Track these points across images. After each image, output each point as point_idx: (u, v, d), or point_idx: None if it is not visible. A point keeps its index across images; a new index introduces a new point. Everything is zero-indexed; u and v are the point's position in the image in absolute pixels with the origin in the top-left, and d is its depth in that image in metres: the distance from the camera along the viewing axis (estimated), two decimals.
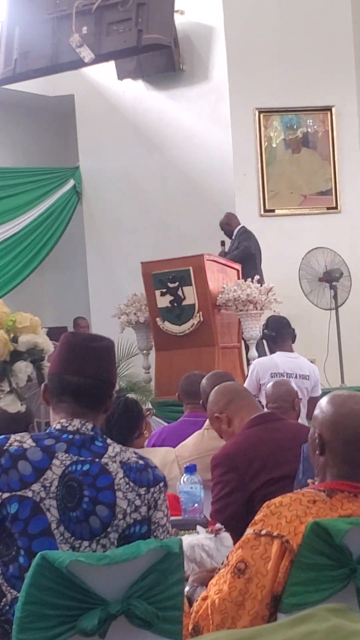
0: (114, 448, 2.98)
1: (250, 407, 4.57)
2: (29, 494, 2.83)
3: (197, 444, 5.39)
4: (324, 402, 3.23)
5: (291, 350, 8.54)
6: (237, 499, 4.21)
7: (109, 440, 3.00)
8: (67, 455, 2.90)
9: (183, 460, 5.22)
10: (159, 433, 6.53)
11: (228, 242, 12.21)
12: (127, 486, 2.93)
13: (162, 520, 3.04)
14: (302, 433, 3.74)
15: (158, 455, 5.29)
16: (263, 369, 8.20)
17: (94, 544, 2.85)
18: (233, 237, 12.17)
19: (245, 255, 11.71)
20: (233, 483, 4.24)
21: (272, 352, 9.11)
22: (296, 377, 8.09)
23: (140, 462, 3.00)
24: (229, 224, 12.29)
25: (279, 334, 8.69)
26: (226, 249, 12.08)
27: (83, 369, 3.02)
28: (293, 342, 8.79)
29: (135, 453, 3.04)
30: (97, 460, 2.92)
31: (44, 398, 3.10)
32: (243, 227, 12.21)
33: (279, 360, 8.38)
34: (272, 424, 4.48)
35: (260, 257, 12.01)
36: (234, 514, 4.18)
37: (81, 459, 2.91)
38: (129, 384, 10.85)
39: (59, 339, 3.14)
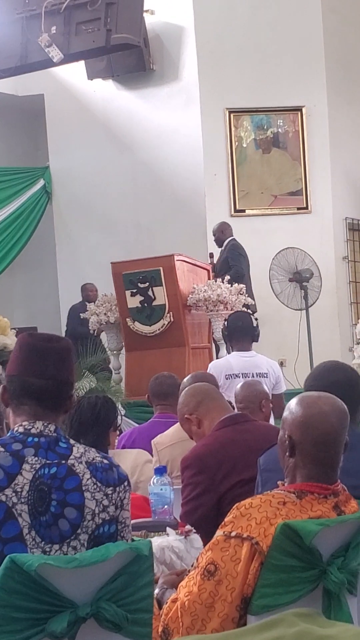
0: (78, 449, 2.96)
1: (220, 409, 4.55)
2: (3, 497, 2.80)
3: (177, 431, 5.38)
4: (293, 403, 3.23)
5: (248, 349, 8.43)
6: (207, 500, 4.21)
7: (71, 441, 2.98)
8: (36, 459, 2.88)
9: (163, 446, 5.26)
10: (129, 434, 6.52)
11: (217, 251, 12.20)
12: (95, 486, 2.91)
13: (128, 520, 3.03)
14: (272, 434, 3.73)
15: (130, 457, 5.28)
16: (217, 371, 8.08)
17: (64, 547, 2.83)
18: (222, 248, 12.17)
19: (237, 276, 11.67)
20: (203, 485, 4.23)
21: (229, 352, 9.09)
22: (252, 376, 8.00)
23: (105, 461, 2.99)
24: (222, 232, 12.28)
25: (233, 332, 8.61)
26: (214, 260, 12.09)
27: (44, 371, 2.99)
28: (255, 340, 8.71)
29: (99, 453, 3.02)
30: (63, 462, 2.90)
31: (3, 400, 3.06)
32: (233, 240, 12.19)
33: (233, 360, 8.30)
34: (242, 425, 4.47)
35: (249, 272, 12.00)
36: (204, 515, 4.17)
37: (48, 462, 2.89)
38: (98, 385, 10.81)
39: (17, 340, 3.11)
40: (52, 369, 3.00)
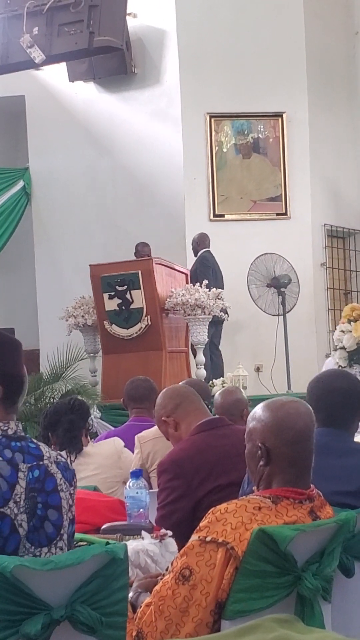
0: (43, 447, 2.94)
1: (198, 412, 4.53)
2: (7, 511, 2.78)
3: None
4: (258, 412, 3.22)
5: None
6: (184, 505, 4.20)
7: (34, 440, 2.96)
8: (25, 465, 2.86)
9: (145, 439, 5.31)
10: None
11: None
12: (65, 485, 2.91)
13: (74, 512, 3.01)
14: None
15: (108, 446, 5.34)
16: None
17: (52, 549, 2.83)
18: (196, 258, 12.21)
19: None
20: (180, 490, 4.22)
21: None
22: None
23: (62, 459, 2.97)
24: (198, 243, 12.32)
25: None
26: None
27: (12, 363, 2.98)
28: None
29: (53, 450, 3.00)
30: (40, 463, 2.89)
31: None
32: (205, 252, 12.22)
33: None
34: (220, 429, 4.46)
35: (222, 282, 11.99)
36: (180, 520, 4.16)
37: (29, 465, 2.88)
38: (75, 386, 10.81)
39: None
40: (17, 362, 2.99)
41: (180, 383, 6.10)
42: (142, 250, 12.25)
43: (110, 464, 5.20)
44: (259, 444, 3.17)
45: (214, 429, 4.45)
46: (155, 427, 5.48)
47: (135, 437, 5.58)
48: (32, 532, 2.81)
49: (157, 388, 6.40)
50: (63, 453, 3.07)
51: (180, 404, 4.56)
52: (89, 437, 5.36)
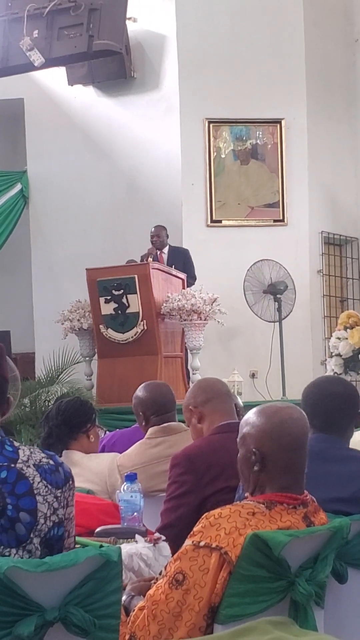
0: (24, 451, 2.91)
1: (224, 413, 4.51)
2: None
3: (140, 453, 5.35)
4: (252, 418, 3.22)
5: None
6: (190, 500, 4.20)
7: (16, 443, 2.94)
8: None
9: (125, 469, 5.18)
10: (111, 436, 6.50)
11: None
12: (46, 489, 2.86)
13: (72, 513, 2.99)
14: None
15: (105, 460, 5.26)
16: None
17: (20, 551, 2.81)
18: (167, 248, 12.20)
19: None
20: (188, 485, 4.23)
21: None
22: None
23: (51, 462, 2.94)
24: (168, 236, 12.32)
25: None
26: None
27: None
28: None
29: (44, 452, 2.97)
30: (12, 466, 2.85)
31: None
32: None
33: None
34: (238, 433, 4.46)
35: None
36: (184, 515, 4.16)
37: None
38: (70, 390, 10.80)
39: None
40: None
41: (142, 385, 5.97)
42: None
43: (98, 481, 5.15)
44: (254, 450, 3.17)
45: (233, 431, 4.44)
46: (133, 454, 5.42)
47: (115, 462, 5.47)
48: (1, 532, 2.78)
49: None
50: (54, 454, 3.02)
51: (211, 399, 4.54)
52: (91, 437, 5.29)
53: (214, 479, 4.23)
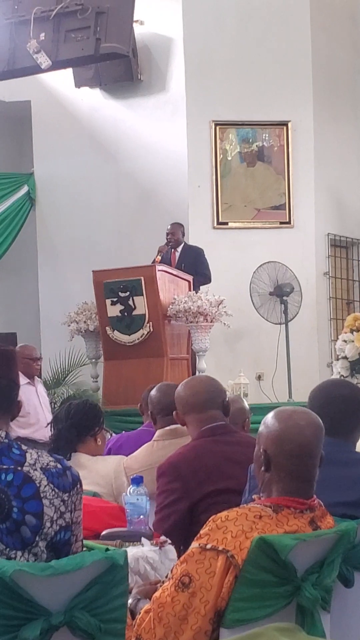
0: (31, 455, 2.92)
1: (206, 420, 4.46)
2: None
3: (147, 455, 5.35)
4: (268, 418, 3.23)
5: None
6: (180, 507, 4.20)
7: (23, 447, 2.95)
8: None
9: (132, 471, 5.17)
10: (117, 439, 6.52)
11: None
12: (53, 492, 2.87)
13: (80, 517, 3.00)
14: (250, 446, 3.71)
15: (111, 463, 5.27)
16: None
17: (26, 554, 2.81)
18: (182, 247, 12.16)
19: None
20: (177, 492, 4.23)
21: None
22: None
23: (59, 465, 2.95)
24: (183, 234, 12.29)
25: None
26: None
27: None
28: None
29: (51, 456, 2.99)
30: (19, 468, 2.86)
31: None
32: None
33: None
34: (223, 436, 4.45)
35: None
36: (176, 522, 4.17)
37: (4, 467, 2.86)
38: (77, 392, 10.82)
39: None
40: (4, 368, 2.99)
41: (155, 387, 5.91)
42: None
43: (104, 483, 5.15)
44: (262, 450, 3.18)
45: (216, 435, 4.44)
46: (141, 456, 5.43)
47: (122, 465, 5.47)
48: (6, 534, 2.79)
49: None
50: (62, 458, 3.02)
51: (190, 412, 4.50)
52: (98, 441, 5.29)
53: (201, 484, 4.22)
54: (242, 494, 3.84)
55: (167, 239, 11.91)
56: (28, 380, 9.41)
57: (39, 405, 9.10)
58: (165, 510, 4.26)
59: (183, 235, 12.11)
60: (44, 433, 7.91)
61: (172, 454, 4.50)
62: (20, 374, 9.57)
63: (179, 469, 4.27)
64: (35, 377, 9.57)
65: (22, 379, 9.37)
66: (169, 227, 12.01)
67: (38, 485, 2.85)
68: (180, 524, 4.13)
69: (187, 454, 4.35)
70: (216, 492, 4.17)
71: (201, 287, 11.46)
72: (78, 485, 2.98)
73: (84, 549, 3.06)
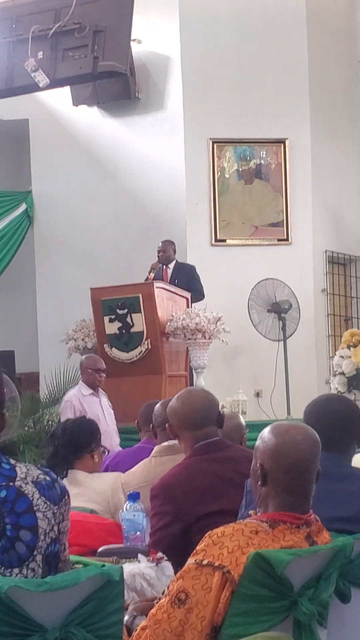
0: (21, 469, 2.89)
1: (200, 437, 4.43)
2: None
3: (145, 471, 5.34)
4: (265, 432, 3.24)
5: None
6: (175, 530, 4.16)
7: (12, 461, 2.93)
8: None
9: (129, 487, 5.15)
10: (114, 456, 6.51)
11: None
12: (45, 505, 2.85)
13: (67, 526, 2.98)
14: (245, 463, 3.69)
15: (107, 480, 5.26)
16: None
17: (24, 570, 2.79)
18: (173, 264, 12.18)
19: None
20: (170, 515, 4.18)
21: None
22: None
23: (47, 478, 2.92)
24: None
25: None
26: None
27: None
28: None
29: (39, 469, 2.96)
30: (11, 484, 2.84)
31: None
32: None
33: None
34: (216, 453, 4.40)
35: None
36: (171, 545, 4.13)
37: None
38: None
39: None
40: None
41: (161, 402, 5.89)
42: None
43: (100, 500, 5.14)
44: (259, 464, 3.18)
45: (209, 452, 4.40)
46: (138, 472, 5.40)
47: (120, 481, 5.46)
48: (1, 552, 2.77)
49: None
50: (50, 471, 3.01)
51: (184, 428, 4.46)
52: (95, 458, 5.29)
53: (194, 506, 4.17)
54: (237, 514, 3.83)
55: (158, 256, 11.94)
56: (92, 391, 9.52)
57: (102, 416, 9.13)
58: (158, 533, 4.22)
59: (174, 252, 12.13)
60: (108, 444, 7.97)
61: (164, 474, 4.46)
62: (84, 384, 9.54)
63: (172, 491, 4.23)
64: (99, 388, 9.65)
65: (86, 390, 9.55)
66: (160, 244, 12.04)
67: (31, 498, 2.84)
68: (174, 547, 4.10)
69: (180, 475, 4.31)
70: (209, 514, 4.14)
71: (197, 304, 11.47)
72: (66, 497, 2.96)
73: (78, 565, 3.05)
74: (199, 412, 4.46)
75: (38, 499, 2.85)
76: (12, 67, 10.63)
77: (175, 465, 4.44)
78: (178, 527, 4.14)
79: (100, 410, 9.34)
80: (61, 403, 9.96)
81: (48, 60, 10.45)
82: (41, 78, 10.32)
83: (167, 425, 4.57)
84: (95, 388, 9.57)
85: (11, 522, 2.79)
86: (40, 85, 10.45)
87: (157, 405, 5.70)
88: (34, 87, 10.68)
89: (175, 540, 4.12)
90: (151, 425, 5.65)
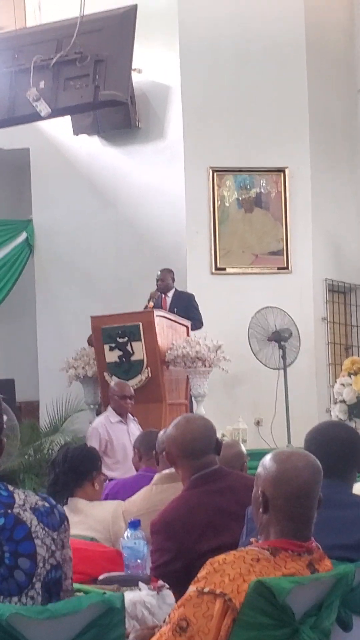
0: (19, 495, 2.88)
1: (199, 467, 4.40)
2: None
3: (145, 499, 5.32)
4: (267, 459, 3.23)
5: None
6: (176, 567, 4.12)
7: (10, 487, 2.91)
8: None
9: (130, 515, 5.13)
10: (113, 485, 6.49)
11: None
12: (43, 532, 2.84)
13: (69, 554, 2.96)
14: (246, 493, 3.66)
15: (108, 508, 5.24)
16: None
17: (23, 598, 2.78)
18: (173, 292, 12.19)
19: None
20: (172, 552, 4.14)
21: None
22: None
23: (46, 504, 2.91)
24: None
25: None
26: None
27: None
28: None
29: (37, 494, 2.95)
30: (9, 511, 2.83)
31: None
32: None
33: None
34: (216, 483, 4.35)
35: None
36: (172, 582, 4.10)
37: None
38: (74, 438, 10.79)
39: None
40: None
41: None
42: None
43: (101, 529, 5.13)
44: (260, 491, 3.17)
45: (209, 483, 4.36)
46: (139, 500, 5.38)
47: (120, 508, 5.43)
48: (0, 581, 2.76)
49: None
50: (48, 497, 2.99)
51: (183, 458, 4.42)
52: (96, 485, 5.27)
53: (195, 543, 4.14)
54: (240, 538, 3.81)
55: (157, 284, 11.96)
56: (119, 419, 9.42)
57: (128, 445, 8.99)
58: (160, 569, 4.18)
59: (173, 280, 12.15)
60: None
61: (164, 508, 4.41)
62: (112, 411, 9.42)
63: (172, 527, 4.19)
64: (128, 415, 9.57)
65: (114, 417, 9.46)
66: (158, 272, 12.06)
67: (29, 525, 2.83)
68: (175, 584, 4.07)
69: (180, 510, 4.27)
70: (211, 550, 4.09)
71: (197, 332, 11.47)
72: (65, 523, 2.95)
73: (79, 592, 3.03)
74: (197, 441, 4.41)
75: (36, 525, 2.84)
76: (14, 97, 10.68)
77: (175, 498, 4.40)
78: (179, 564, 4.11)
79: (127, 438, 9.23)
80: (87, 430, 9.88)
81: (50, 89, 10.50)
82: (43, 107, 10.36)
83: (164, 453, 4.54)
84: (123, 415, 9.50)
85: (10, 550, 2.77)
86: (42, 114, 10.49)
87: (161, 432, 5.69)
88: (36, 117, 10.71)
89: (176, 576, 4.09)
90: (154, 452, 5.64)
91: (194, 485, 4.34)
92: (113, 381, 10.28)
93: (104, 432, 9.38)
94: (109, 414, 9.58)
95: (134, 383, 10.86)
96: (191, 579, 3.06)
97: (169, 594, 3.86)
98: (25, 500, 2.87)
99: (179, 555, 4.12)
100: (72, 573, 2.97)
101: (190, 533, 4.17)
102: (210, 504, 4.25)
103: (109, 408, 9.67)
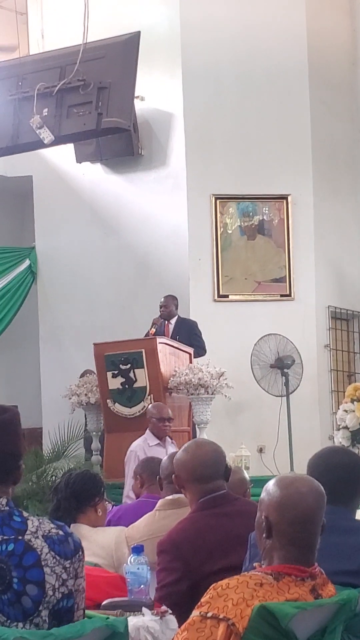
0: (32, 522, 2.89)
1: (208, 491, 4.40)
2: None
3: (148, 525, 5.32)
4: (270, 485, 3.23)
5: None
6: (182, 587, 4.12)
7: (25, 514, 2.93)
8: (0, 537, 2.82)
9: (133, 541, 5.11)
10: (116, 511, 6.49)
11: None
12: (54, 560, 2.84)
13: (83, 584, 2.96)
14: (252, 518, 3.66)
15: (111, 534, 5.22)
16: None
17: (27, 624, 2.78)
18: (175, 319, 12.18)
19: None
20: (178, 572, 4.15)
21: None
22: None
23: (60, 532, 2.92)
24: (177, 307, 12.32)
25: None
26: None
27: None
28: None
29: (53, 522, 2.96)
30: (20, 537, 2.84)
31: None
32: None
33: None
34: (224, 507, 4.37)
35: None
36: (178, 602, 4.09)
37: (5, 537, 2.83)
38: (77, 465, 10.76)
39: None
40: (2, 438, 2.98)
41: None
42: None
43: (104, 555, 5.11)
44: (264, 517, 3.17)
45: (216, 506, 4.37)
46: (142, 526, 5.38)
47: (124, 535, 5.42)
48: (7, 605, 2.76)
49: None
50: (64, 525, 2.99)
51: (193, 481, 4.41)
52: (99, 511, 5.26)
53: (202, 564, 4.14)
54: (243, 564, 3.81)
55: (160, 311, 11.97)
56: (158, 441, 9.31)
57: None
58: (165, 589, 4.18)
59: (176, 307, 12.15)
60: None
61: (172, 529, 4.42)
62: (150, 434, 9.29)
63: (180, 547, 4.20)
64: (167, 437, 9.47)
65: (152, 440, 9.35)
66: (162, 299, 12.07)
67: (39, 553, 2.83)
68: (182, 603, 4.06)
69: (188, 531, 4.27)
70: (217, 571, 4.09)
71: (200, 359, 11.47)
72: (80, 552, 2.95)
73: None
74: (207, 467, 4.42)
75: (47, 553, 2.84)
76: (17, 124, 10.74)
77: (183, 519, 4.41)
78: (185, 584, 4.11)
79: None
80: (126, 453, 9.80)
81: (53, 117, 10.55)
82: (46, 135, 10.41)
83: (173, 476, 4.55)
84: (162, 437, 9.40)
85: (18, 575, 2.78)
86: (45, 142, 10.54)
87: (165, 459, 5.69)
88: (39, 144, 10.77)
89: (182, 596, 4.08)
90: (158, 477, 5.64)
91: (202, 508, 4.35)
92: (151, 404, 10.17)
93: (142, 455, 9.31)
94: (147, 437, 9.46)
95: (136, 410, 10.86)
96: (196, 600, 3.05)
97: (172, 619, 3.85)
98: (39, 528, 2.88)
99: (185, 576, 4.12)
100: (84, 604, 2.97)
101: (198, 554, 4.17)
102: (219, 527, 4.26)
103: (147, 431, 9.56)
